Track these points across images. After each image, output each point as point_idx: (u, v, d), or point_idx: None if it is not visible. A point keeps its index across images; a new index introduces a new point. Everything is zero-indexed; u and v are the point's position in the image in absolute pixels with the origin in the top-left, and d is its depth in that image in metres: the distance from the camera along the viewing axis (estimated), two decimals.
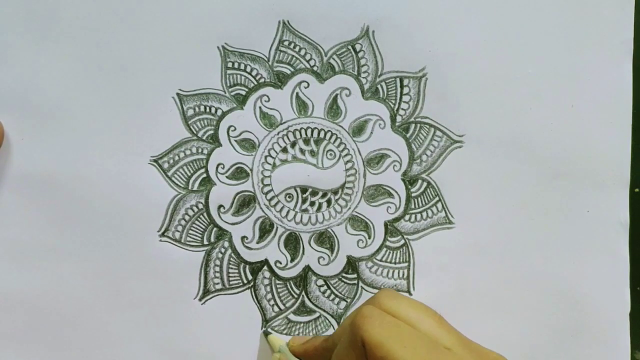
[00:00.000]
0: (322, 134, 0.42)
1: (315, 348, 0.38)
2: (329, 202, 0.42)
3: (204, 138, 0.42)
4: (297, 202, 0.42)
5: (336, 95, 0.42)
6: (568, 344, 0.34)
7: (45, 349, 0.41)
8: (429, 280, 0.42)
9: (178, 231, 0.42)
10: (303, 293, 0.42)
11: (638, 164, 0.43)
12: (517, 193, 0.43)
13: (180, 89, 0.41)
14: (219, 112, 0.42)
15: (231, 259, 0.42)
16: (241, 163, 0.42)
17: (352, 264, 0.42)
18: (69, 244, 0.41)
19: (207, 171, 0.42)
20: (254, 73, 0.42)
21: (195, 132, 0.42)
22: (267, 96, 0.42)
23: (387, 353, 0.31)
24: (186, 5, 0.41)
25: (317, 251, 0.42)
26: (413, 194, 0.43)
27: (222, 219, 0.42)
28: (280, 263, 0.42)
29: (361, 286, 0.42)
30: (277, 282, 0.42)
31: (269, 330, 0.42)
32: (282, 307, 0.42)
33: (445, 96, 0.42)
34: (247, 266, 0.42)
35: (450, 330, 0.34)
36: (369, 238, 0.42)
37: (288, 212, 0.42)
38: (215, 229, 0.42)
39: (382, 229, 0.42)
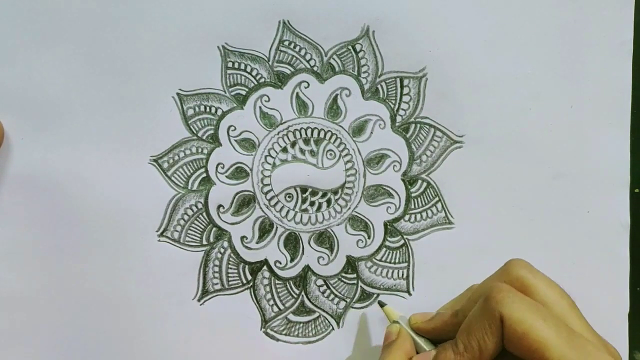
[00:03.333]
0: (322, 134, 0.42)
1: (445, 324, 0.37)
2: (328, 202, 0.42)
3: (204, 138, 0.42)
4: (296, 202, 0.42)
5: (336, 95, 0.42)
6: None
7: (45, 349, 0.41)
8: (429, 281, 0.42)
9: (177, 231, 0.42)
10: (302, 293, 0.42)
11: (638, 164, 0.43)
12: (517, 193, 0.43)
13: (180, 89, 0.41)
14: (219, 112, 0.42)
15: (230, 259, 0.42)
16: (241, 163, 0.42)
17: (351, 264, 0.42)
18: (68, 244, 0.41)
19: (206, 171, 0.42)
20: (254, 73, 0.42)
21: (195, 131, 0.42)
22: (267, 96, 0.42)
23: (530, 328, 0.31)
24: (186, 5, 0.41)
25: (317, 251, 0.42)
26: (413, 194, 0.43)
27: (221, 219, 0.42)
28: (280, 263, 0.42)
29: (360, 286, 0.42)
30: (277, 282, 0.42)
31: (384, 301, 0.41)
32: (281, 307, 0.42)
33: (445, 96, 0.42)
34: (247, 266, 0.42)
35: (581, 316, 0.34)
36: (369, 238, 0.42)
37: (288, 212, 0.42)
38: (214, 228, 0.42)
39: (381, 229, 0.42)
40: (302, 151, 0.42)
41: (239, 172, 0.42)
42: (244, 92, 0.42)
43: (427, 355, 0.36)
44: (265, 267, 0.42)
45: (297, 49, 0.42)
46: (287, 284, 0.42)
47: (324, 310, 0.42)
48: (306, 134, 0.42)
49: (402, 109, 0.42)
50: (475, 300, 0.34)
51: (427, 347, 0.37)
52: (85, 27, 0.41)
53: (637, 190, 0.44)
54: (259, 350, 0.42)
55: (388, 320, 0.40)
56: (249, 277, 0.42)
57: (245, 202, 0.42)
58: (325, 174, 0.42)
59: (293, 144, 0.42)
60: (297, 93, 0.42)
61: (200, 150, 0.42)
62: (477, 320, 0.33)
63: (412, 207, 0.43)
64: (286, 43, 0.42)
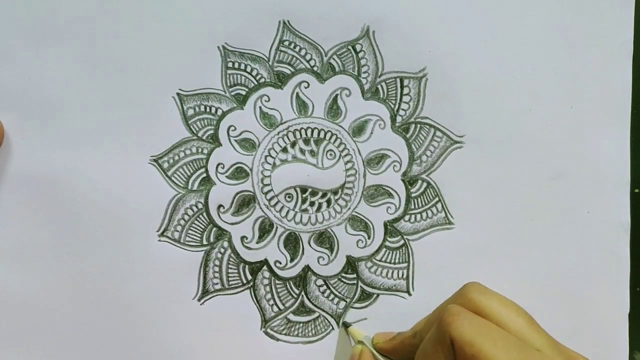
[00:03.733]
0: (322, 134, 0.42)
1: (403, 345, 0.38)
2: (328, 202, 0.42)
3: (204, 138, 0.42)
4: (296, 202, 0.42)
5: (336, 96, 0.42)
6: (567, 345, 0.34)
7: (45, 349, 0.41)
8: (429, 281, 0.42)
9: (177, 231, 0.42)
10: (302, 293, 0.42)
11: (638, 164, 0.43)
12: (517, 194, 0.43)
13: (180, 89, 0.41)
14: (219, 112, 0.42)
15: (230, 259, 0.42)
16: (241, 163, 0.42)
17: (351, 264, 0.42)
18: (68, 244, 0.41)
19: (207, 171, 0.42)
20: (254, 73, 0.42)
21: (195, 131, 0.42)
22: (267, 96, 0.42)
23: (479, 351, 0.30)
24: (186, 5, 0.41)
25: (317, 251, 0.42)
26: (413, 195, 0.43)
27: (221, 219, 0.42)
28: (280, 263, 0.42)
29: (360, 286, 0.42)
30: (277, 282, 0.42)
31: (348, 322, 0.42)
32: (281, 307, 0.42)
33: (445, 97, 0.42)
34: (247, 266, 0.42)
35: (540, 331, 0.33)
36: (369, 238, 0.42)
37: (288, 212, 0.42)
38: (214, 228, 0.42)
39: (381, 229, 0.42)
40: (302, 151, 0.42)
41: (239, 172, 0.42)
42: (244, 92, 0.42)
43: None
44: (265, 267, 0.42)
45: (297, 49, 0.42)
46: (287, 284, 0.42)
47: (323, 310, 0.42)
48: (306, 134, 0.42)
49: (402, 109, 0.42)
50: (433, 322, 0.34)
51: None
52: (85, 27, 0.41)
53: (637, 191, 0.44)
54: (259, 350, 0.42)
55: (353, 341, 0.41)
56: (249, 277, 0.42)
57: (245, 202, 0.42)
58: (325, 174, 0.42)
59: (293, 144, 0.42)
60: (297, 93, 0.42)
61: (200, 150, 0.42)
62: (430, 345, 0.33)
63: (412, 207, 0.43)
64: (286, 43, 0.42)
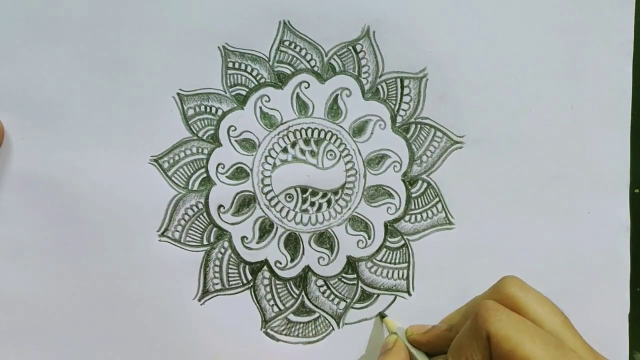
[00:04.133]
0: (322, 134, 0.42)
1: (438, 337, 0.37)
2: (329, 202, 0.42)
3: (204, 138, 0.42)
4: (297, 202, 0.42)
5: (337, 96, 0.42)
6: None
7: (45, 349, 0.41)
8: (429, 281, 0.43)
9: (177, 231, 0.42)
10: (303, 293, 0.42)
11: (638, 164, 0.43)
12: (518, 194, 0.43)
13: (180, 89, 0.41)
14: (220, 112, 0.42)
15: (231, 259, 0.42)
16: (241, 163, 0.42)
17: (351, 265, 0.42)
18: (69, 244, 0.41)
19: (207, 171, 0.42)
20: (254, 73, 0.42)
21: (195, 132, 0.42)
22: (268, 96, 0.42)
23: (515, 346, 0.31)
24: (187, 5, 0.41)
25: (317, 251, 0.42)
26: (413, 195, 0.43)
27: (222, 219, 0.42)
28: (280, 263, 0.42)
29: (361, 286, 0.42)
30: (277, 282, 0.42)
31: (385, 313, 0.42)
32: (281, 307, 0.42)
33: (445, 97, 0.42)
34: (247, 266, 0.42)
35: (575, 333, 0.33)
36: (369, 238, 0.42)
37: (288, 212, 0.42)
38: (215, 229, 0.42)
39: (382, 229, 0.42)
40: (302, 151, 0.42)
41: (240, 173, 0.42)
42: (244, 92, 0.42)
43: None
44: (265, 267, 0.42)
45: (298, 49, 0.42)
46: (288, 284, 0.42)
47: (324, 311, 0.42)
48: (306, 134, 0.42)
49: (403, 110, 0.42)
50: (468, 316, 0.34)
51: (421, 359, 0.38)
52: (86, 27, 0.41)
53: (637, 191, 0.44)
54: (259, 350, 0.42)
55: (388, 332, 0.41)
56: (249, 277, 0.42)
57: (245, 203, 0.42)
58: (326, 174, 0.42)
59: (293, 144, 0.42)
60: (298, 93, 0.42)
61: (200, 150, 0.42)
62: (466, 339, 0.33)
63: (413, 207, 0.43)
64: (286, 43, 0.42)
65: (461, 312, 0.38)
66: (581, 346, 0.33)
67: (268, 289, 0.42)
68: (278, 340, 0.42)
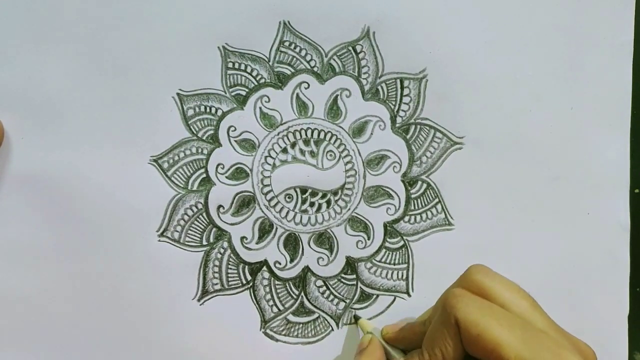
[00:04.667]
0: (322, 135, 0.42)
1: (413, 332, 0.38)
2: (328, 202, 0.42)
3: (204, 138, 0.42)
4: (296, 203, 0.42)
5: (336, 96, 0.42)
6: None
7: (45, 349, 0.41)
8: (428, 282, 0.42)
9: (177, 231, 0.42)
10: (302, 294, 0.42)
11: (638, 165, 0.43)
12: (517, 195, 0.43)
13: (180, 89, 0.41)
14: (219, 112, 0.42)
15: (230, 259, 0.42)
16: (241, 163, 0.42)
17: (351, 265, 0.42)
18: (68, 244, 0.41)
19: (206, 171, 0.42)
20: (254, 73, 0.42)
21: (195, 132, 0.42)
22: (268, 97, 0.42)
23: (483, 330, 0.31)
24: (187, 5, 0.41)
25: (317, 252, 0.42)
26: (413, 195, 0.43)
27: (221, 219, 0.42)
28: (280, 263, 0.42)
29: (360, 287, 0.42)
30: (276, 282, 0.42)
31: (359, 315, 0.42)
32: (281, 307, 0.42)
33: (445, 98, 0.42)
34: (246, 267, 0.42)
35: (543, 314, 0.34)
36: (369, 239, 0.42)
37: (287, 212, 0.42)
38: (214, 229, 0.42)
39: (381, 230, 0.42)
40: (302, 152, 0.42)
41: (239, 173, 0.42)
42: (244, 93, 0.42)
43: None
44: (265, 268, 0.42)
45: (298, 49, 0.42)
46: (287, 285, 0.42)
47: (323, 311, 0.42)
48: (306, 135, 0.42)
49: (402, 110, 0.42)
50: (438, 308, 0.35)
51: (398, 356, 0.38)
52: (86, 27, 0.41)
53: (637, 191, 0.44)
54: (258, 350, 0.42)
55: (362, 333, 0.41)
56: (249, 278, 0.42)
57: (245, 203, 0.42)
58: (325, 174, 0.42)
59: (293, 145, 0.42)
60: (297, 94, 0.42)
61: (200, 150, 0.42)
62: (437, 329, 0.33)
63: (412, 208, 0.43)
64: (286, 44, 0.42)
65: (434, 307, 0.38)
66: (551, 327, 0.33)
67: (267, 289, 0.42)
68: (277, 340, 0.42)
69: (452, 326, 0.32)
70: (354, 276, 0.42)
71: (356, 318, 0.42)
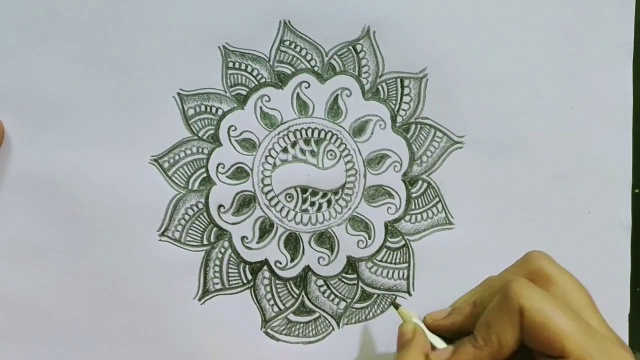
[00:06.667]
0: (322, 134, 0.42)
1: (463, 316, 0.37)
2: (329, 202, 0.42)
3: (205, 138, 0.42)
4: (297, 202, 0.42)
5: (337, 96, 0.42)
6: None
7: (45, 349, 0.41)
8: (429, 281, 0.42)
9: (178, 231, 0.42)
10: (303, 293, 0.42)
11: (639, 164, 0.43)
12: (518, 194, 0.43)
13: (180, 89, 0.41)
14: (220, 112, 0.42)
15: (231, 258, 0.42)
16: (241, 163, 0.42)
17: (352, 264, 0.42)
18: (69, 244, 0.41)
19: (207, 171, 0.42)
20: (254, 73, 0.42)
21: (195, 131, 0.42)
22: (268, 96, 0.42)
23: (548, 319, 0.31)
24: (187, 5, 0.41)
25: (317, 251, 0.42)
26: (413, 195, 0.43)
27: (222, 219, 0.42)
28: (280, 263, 0.42)
29: (361, 286, 0.42)
30: (277, 282, 0.42)
31: (399, 303, 0.40)
32: (281, 307, 0.42)
33: (445, 97, 0.42)
34: (247, 266, 0.42)
35: (597, 312, 0.34)
36: (369, 238, 0.42)
37: (288, 212, 0.42)
38: (215, 228, 0.42)
39: (382, 229, 0.42)
40: (302, 151, 0.42)
41: (240, 172, 0.42)
42: (244, 92, 0.42)
43: (445, 351, 0.36)
44: (265, 267, 0.42)
45: (298, 49, 0.42)
46: (288, 284, 0.42)
47: (324, 311, 0.42)
48: (307, 134, 0.42)
49: (403, 110, 0.42)
50: (494, 292, 0.35)
51: (442, 345, 0.37)
52: (86, 26, 0.41)
53: (637, 191, 0.43)
54: (259, 350, 0.42)
55: (403, 321, 0.39)
56: (250, 277, 0.42)
57: (245, 202, 0.42)
58: (326, 174, 0.42)
59: (293, 144, 0.42)
60: (298, 93, 0.42)
61: (200, 150, 0.42)
62: (495, 314, 0.33)
63: (413, 207, 0.43)
64: (287, 43, 0.42)
65: (483, 289, 0.38)
66: (603, 326, 0.33)
67: (268, 288, 0.42)
68: (278, 340, 0.42)
69: (515, 312, 0.32)
70: (355, 276, 0.42)
71: (396, 306, 0.39)
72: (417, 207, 0.43)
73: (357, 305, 0.42)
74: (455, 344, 0.36)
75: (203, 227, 0.42)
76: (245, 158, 0.42)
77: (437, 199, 0.43)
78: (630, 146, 0.43)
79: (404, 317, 0.39)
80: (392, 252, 0.42)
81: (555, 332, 0.31)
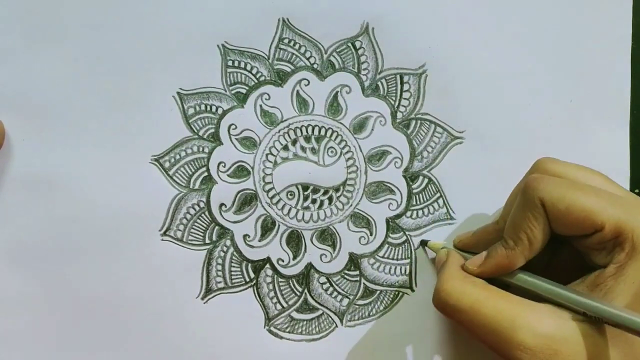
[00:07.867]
0: (322, 132, 0.42)
1: (487, 232, 0.38)
2: (330, 199, 0.42)
3: (205, 137, 0.42)
4: (298, 200, 0.42)
5: (336, 93, 0.42)
6: None
7: (46, 349, 0.41)
8: (431, 276, 0.42)
9: (180, 230, 0.41)
10: (305, 290, 0.42)
11: (638, 164, 0.43)
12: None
13: (180, 88, 0.41)
14: (220, 111, 0.42)
15: (233, 257, 0.42)
16: (242, 161, 0.42)
17: (354, 261, 0.42)
18: (69, 244, 0.41)
19: (208, 170, 0.42)
20: (254, 71, 0.42)
21: (196, 130, 0.42)
22: (268, 94, 0.42)
23: (571, 202, 0.32)
24: (186, 4, 0.41)
25: (319, 248, 0.42)
26: (414, 191, 0.43)
27: (223, 218, 0.42)
28: (283, 261, 0.42)
29: (363, 283, 0.42)
30: (280, 280, 0.42)
31: (426, 239, 0.42)
32: (284, 304, 0.42)
33: (445, 92, 0.42)
34: (250, 264, 0.42)
35: (617, 184, 0.35)
36: (371, 235, 0.42)
37: (290, 209, 0.42)
38: (216, 227, 0.42)
39: (383, 225, 0.42)
40: (303, 149, 0.42)
41: (241, 171, 0.42)
42: (244, 91, 0.42)
43: (479, 257, 0.36)
44: (268, 265, 0.42)
45: (297, 46, 0.42)
46: (290, 282, 0.42)
47: (327, 308, 0.42)
48: (307, 132, 0.42)
49: (403, 106, 0.42)
50: (512, 202, 0.35)
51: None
52: (85, 27, 0.41)
53: (637, 191, 0.44)
54: (263, 348, 0.42)
55: (434, 253, 0.41)
56: (252, 275, 0.42)
57: (247, 201, 0.42)
58: (327, 171, 0.42)
59: (294, 142, 0.42)
60: (298, 91, 0.42)
61: (201, 149, 0.42)
62: (520, 214, 0.34)
63: (414, 203, 0.43)
64: (286, 41, 0.42)
65: (504, 207, 0.38)
66: (628, 193, 0.34)
67: (271, 286, 0.42)
68: (281, 337, 0.42)
69: (537, 207, 0.33)
70: (357, 272, 0.42)
71: (424, 243, 0.42)
72: (418, 202, 0.43)
73: (360, 302, 0.42)
74: (487, 251, 0.36)
75: (205, 226, 0.42)
76: (246, 156, 0.42)
77: (438, 195, 0.43)
78: (629, 145, 0.43)
79: (434, 249, 0.41)
80: (393, 248, 0.43)
81: (583, 212, 0.31)
